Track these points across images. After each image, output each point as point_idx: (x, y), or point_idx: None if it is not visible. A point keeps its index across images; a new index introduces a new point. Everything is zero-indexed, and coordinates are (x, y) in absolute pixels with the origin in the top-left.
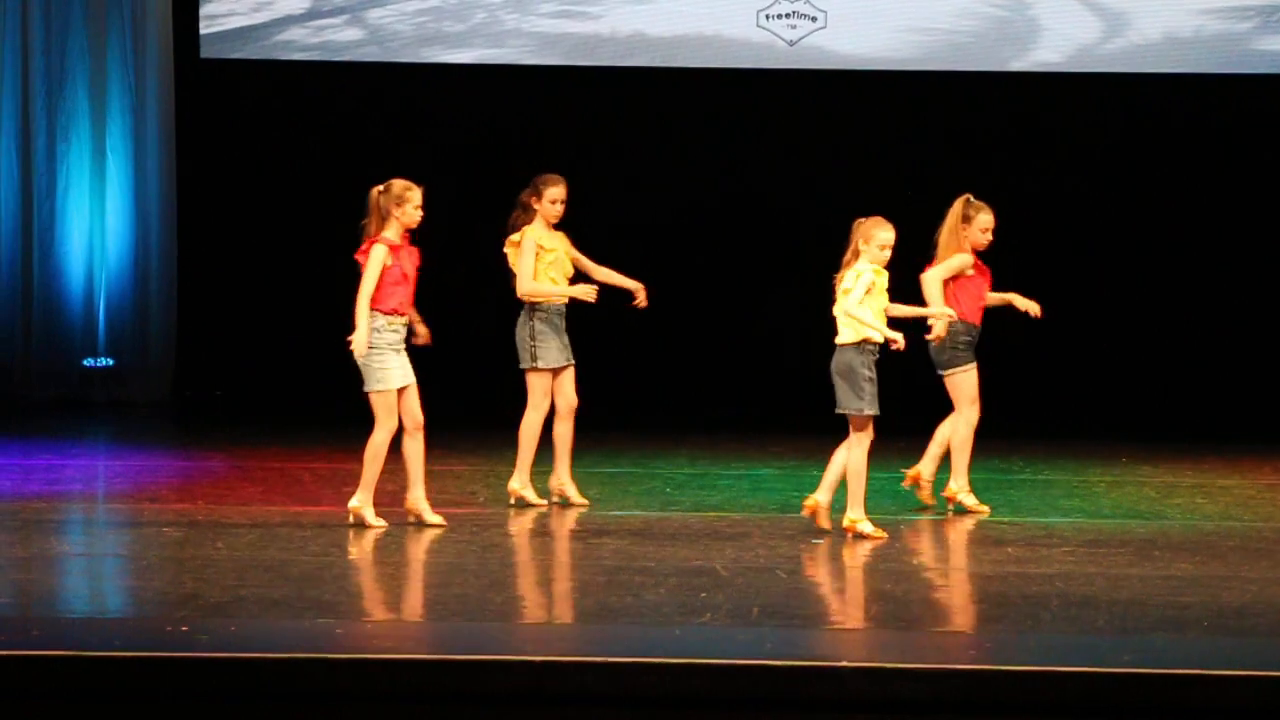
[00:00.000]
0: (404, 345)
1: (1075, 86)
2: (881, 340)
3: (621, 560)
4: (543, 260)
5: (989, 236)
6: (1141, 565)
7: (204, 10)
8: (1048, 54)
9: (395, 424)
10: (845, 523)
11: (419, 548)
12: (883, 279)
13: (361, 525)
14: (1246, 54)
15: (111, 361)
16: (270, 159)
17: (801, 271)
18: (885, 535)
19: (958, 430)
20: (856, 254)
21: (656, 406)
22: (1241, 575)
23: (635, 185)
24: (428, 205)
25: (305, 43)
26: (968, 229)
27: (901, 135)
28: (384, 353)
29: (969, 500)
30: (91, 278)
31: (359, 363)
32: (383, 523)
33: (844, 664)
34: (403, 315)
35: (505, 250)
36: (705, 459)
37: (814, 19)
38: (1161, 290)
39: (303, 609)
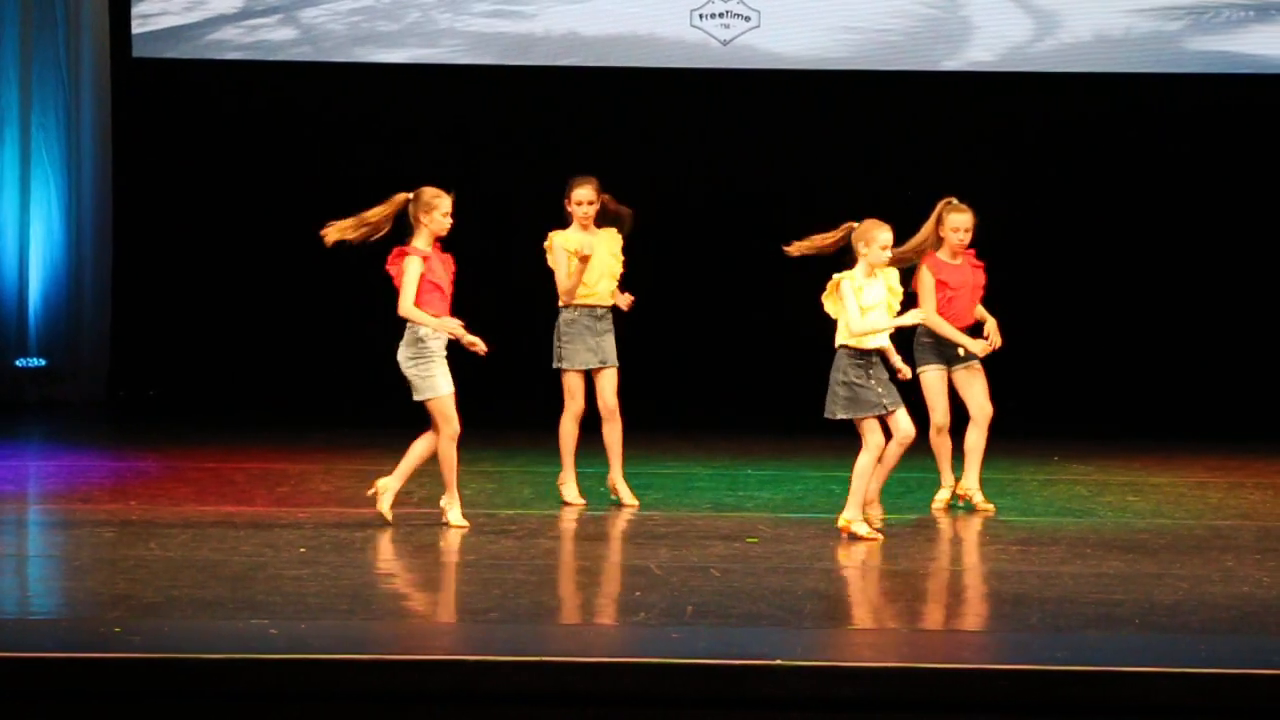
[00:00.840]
0: (446, 353)
1: (1007, 85)
2: (869, 348)
3: (555, 559)
4: (573, 263)
5: (960, 236)
6: (1073, 563)
7: (136, 9)
8: (980, 53)
9: (457, 427)
10: (840, 522)
11: (353, 548)
12: (875, 282)
13: (446, 525)
14: (1177, 53)
15: (44, 361)
16: (204, 159)
17: (736, 270)
18: (880, 537)
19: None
20: (855, 258)
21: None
22: (1173, 573)
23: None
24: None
25: (238, 42)
26: (941, 229)
27: (835, 134)
28: (426, 362)
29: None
30: (24, 277)
31: (407, 374)
32: (465, 523)
33: (778, 662)
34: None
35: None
36: (640, 458)
37: (747, 19)
38: (1092, 288)
39: (236, 609)
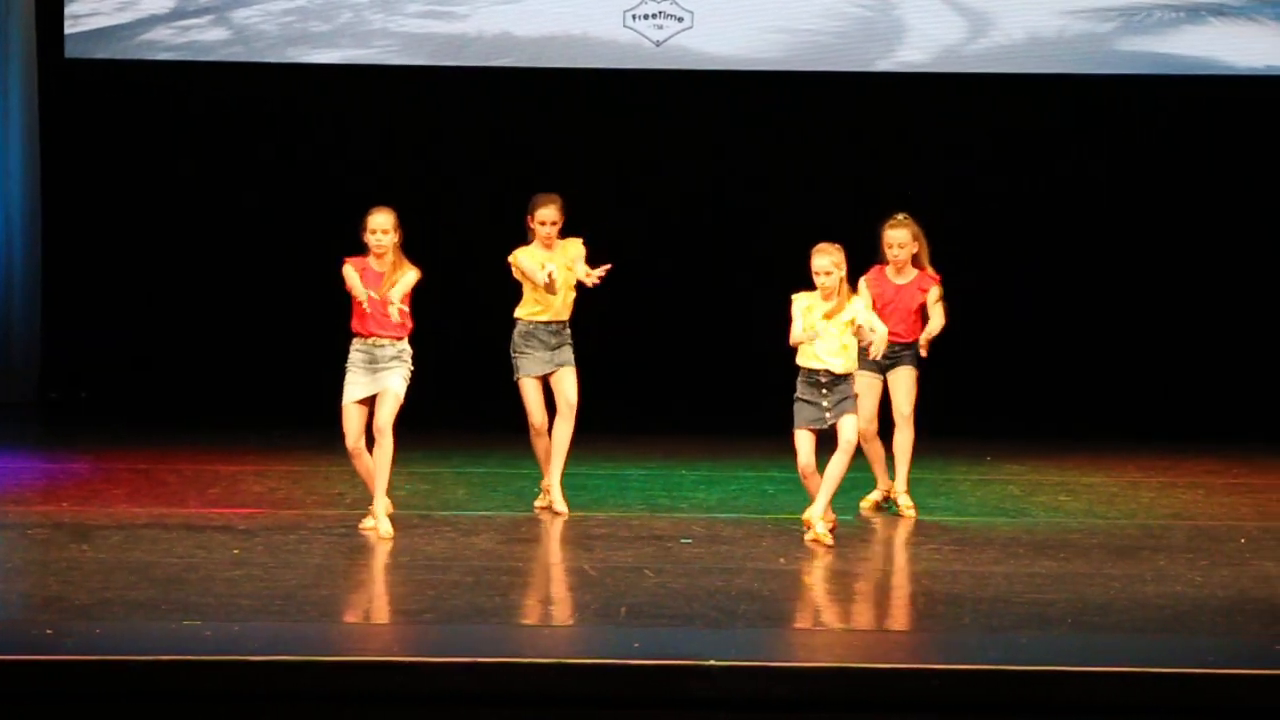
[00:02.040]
0: (374, 366)
1: (940, 86)
2: (815, 368)
3: (490, 560)
4: (543, 271)
5: (893, 252)
6: (1006, 563)
7: (68, 10)
8: (913, 54)
9: (349, 441)
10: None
11: (286, 549)
12: (820, 308)
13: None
14: (1109, 54)
15: None
16: (136, 159)
17: (668, 270)
18: (832, 543)
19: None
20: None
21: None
22: (1105, 572)
23: (502, 185)
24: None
25: (170, 43)
26: (882, 245)
27: (768, 135)
28: (349, 369)
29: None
30: None
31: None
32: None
33: (712, 663)
34: (366, 338)
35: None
36: (574, 459)
37: (680, 19)
38: (1023, 289)
39: (169, 611)
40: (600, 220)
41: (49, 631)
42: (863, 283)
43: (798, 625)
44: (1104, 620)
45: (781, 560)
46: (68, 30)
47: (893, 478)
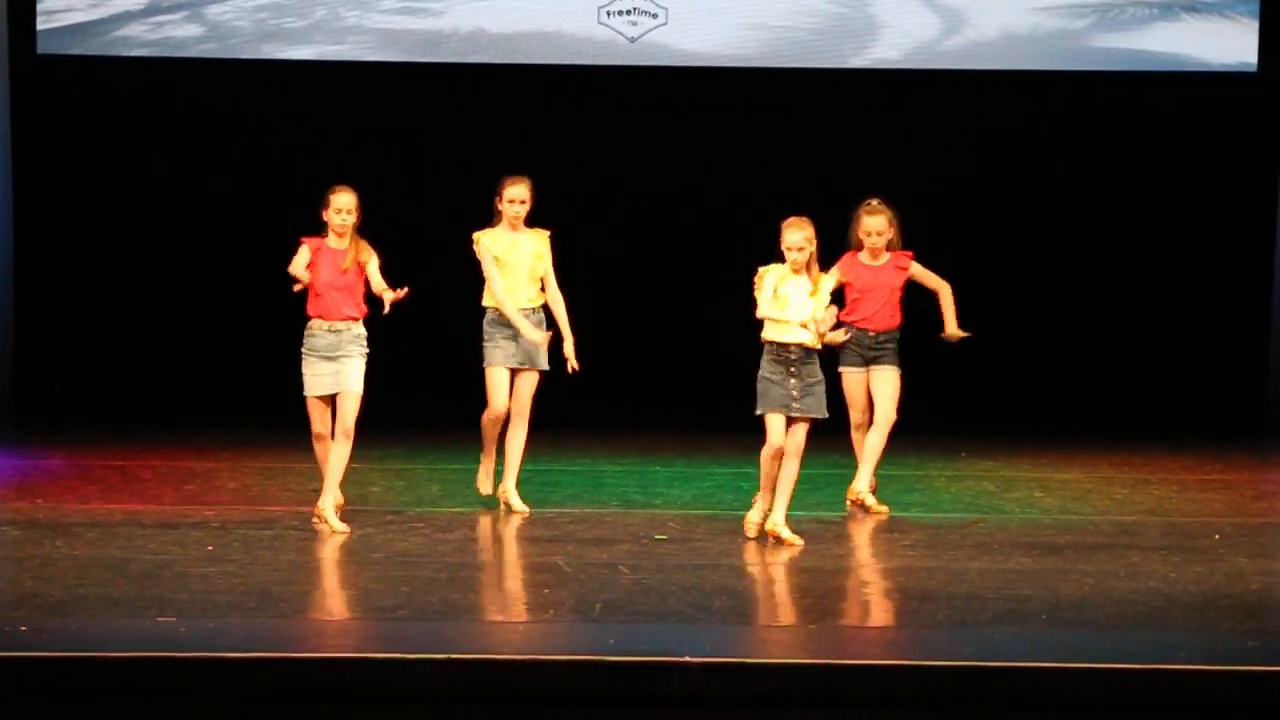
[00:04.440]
0: (333, 354)
1: (915, 83)
2: (786, 341)
3: (465, 556)
4: (500, 265)
5: (871, 240)
6: (980, 559)
7: (41, 6)
8: (887, 51)
9: (321, 431)
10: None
11: (260, 546)
12: (798, 280)
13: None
14: (1083, 51)
15: None
16: (109, 156)
17: (642, 266)
18: (801, 541)
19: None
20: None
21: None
22: (1079, 568)
23: (476, 181)
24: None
25: (144, 39)
26: (859, 230)
27: (742, 132)
28: (305, 357)
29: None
30: None
31: None
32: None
33: (688, 659)
34: (325, 320)
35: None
36: (547, 455)
37: (655, 15)
38: (998, 284)
39: (143, 607)
40: (574, 216)
41: (23, 628)
42: (835, 268)
43: (772, 621)
44: (1078, 616)
45: (757, 556)
46: (40, 26)
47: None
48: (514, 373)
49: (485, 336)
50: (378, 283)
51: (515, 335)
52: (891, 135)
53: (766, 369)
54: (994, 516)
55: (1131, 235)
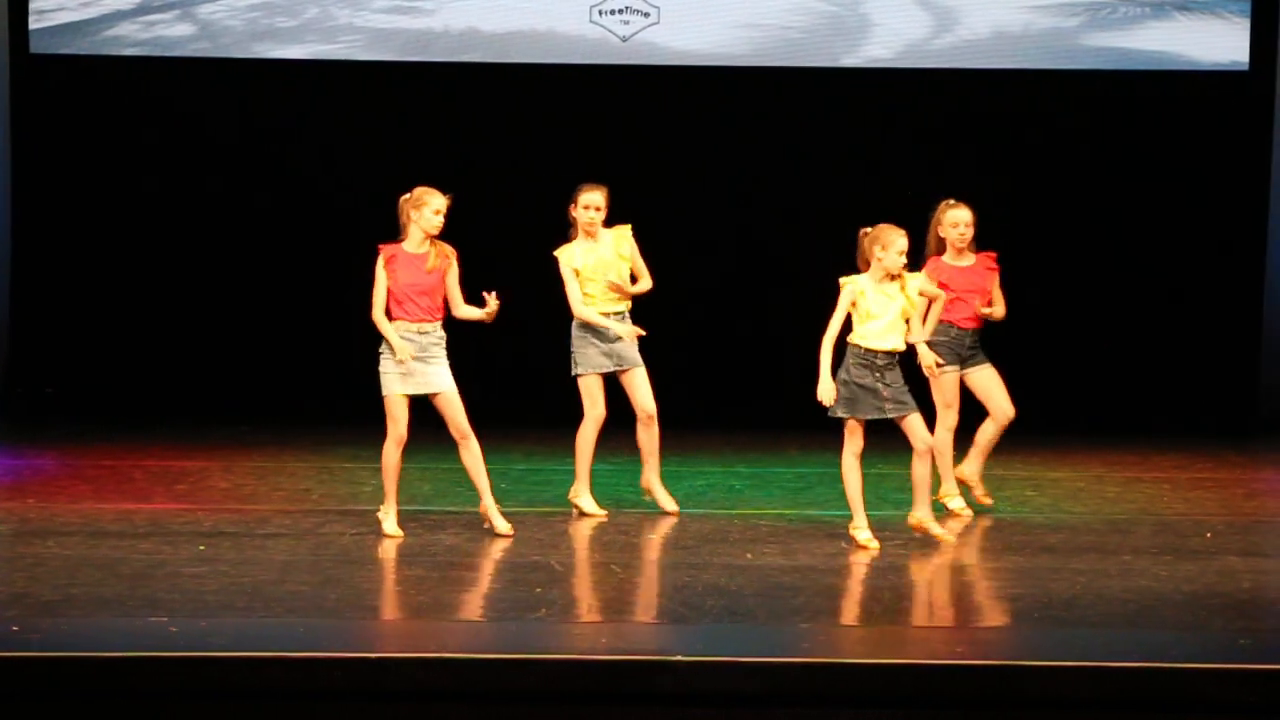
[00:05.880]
0: (422, 355)
1: (906, 82)
2: (874, 348)
3: (456, 556)
4: (580, 277)
5: (959, 231)
6: (972, 557)
7: (33, 5)
8: (879, 49)
9: (400, 430)
10: (910, 520)
11: (252, 546)
12: (890, 288)
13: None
14: (1074, 50)
15: None
16: (103, 155)
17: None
18: (953, 537)
19: (936, 434)
20: (867, 264)
21: (488, 400)
22: (1070, 567)
23: (469, 181)
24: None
25: (136, 38)
26: (940, 229)
27: (734, 131)
28: (383, 359)
29: (953, 504)
30: None
31: None
32: (399, 532)
33: (678, 658)
34: (411, 323)
35: None
36: (541, 454)
37: (647, 14)
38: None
39: (135, 607)
40: (565, 214)
41: (14, 628)
42: (923, 273)
43: (763, 621)
44: (1069, 615)
45: (748, 555)
46: (33, 26)
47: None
48: (619, 375)
49: (575, 346)
50: (461, 309)
51: (605, 340)
52: (883, 134)
53: (854, 373)
54: (986, 515)
55: (1123, 234)
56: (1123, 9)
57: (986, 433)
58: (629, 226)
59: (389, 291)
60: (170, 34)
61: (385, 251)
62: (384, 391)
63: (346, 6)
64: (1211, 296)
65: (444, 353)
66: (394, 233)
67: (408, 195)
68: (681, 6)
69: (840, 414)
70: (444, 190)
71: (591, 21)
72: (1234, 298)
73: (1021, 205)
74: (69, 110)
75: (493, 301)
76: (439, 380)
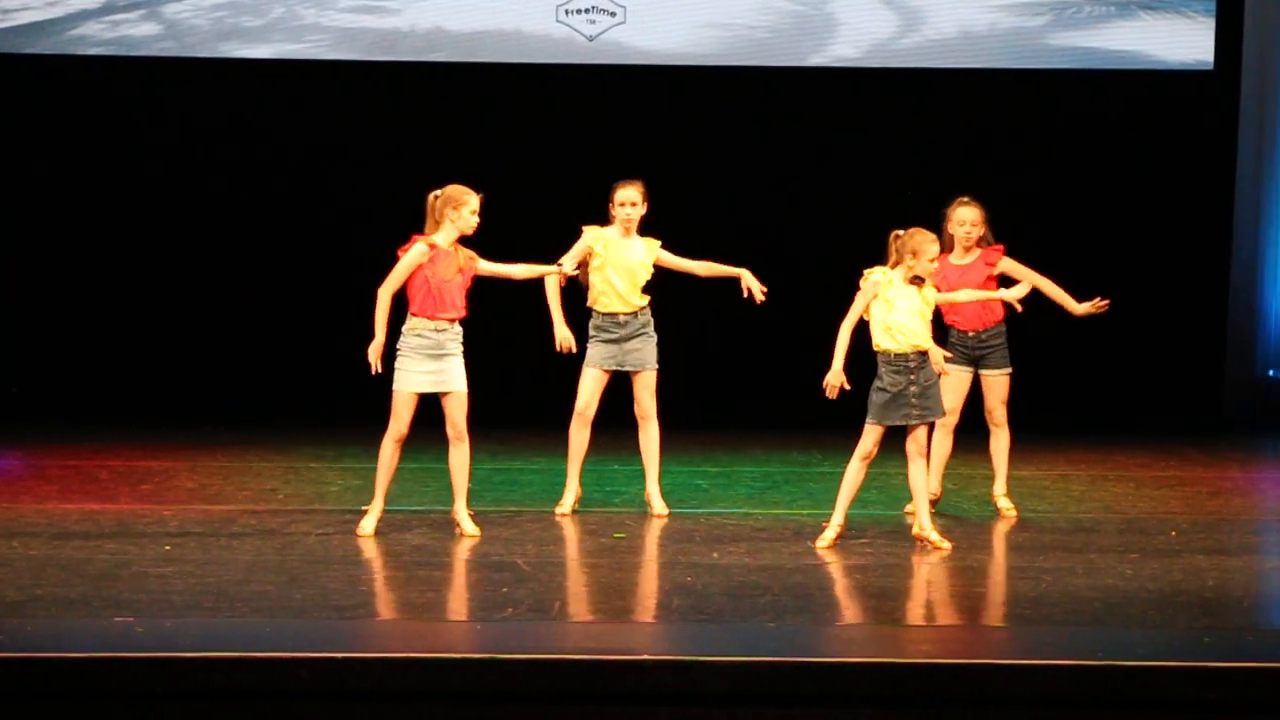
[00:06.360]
0: (438, 352)
1: (873, 81)
2: (905, 351)
3: (423, 555)
4: (593, 263)
5: (965, 229)
6: (937, 556)
7: None
8: (845, 49)
9: (402, 427)
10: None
11: (217, 545)
12: (910, 290)
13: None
14: (1040, 49)
15: None
16: (66, 155)
17: None
18: (949, 545)
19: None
20: (895, 263)
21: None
22: (1036, 565)
23: (434, 180)
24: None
25: (101, 38)
26: (949, 227)
27: (701, 130)
28: (400, 355)
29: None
30: None
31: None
32: (369, 533)
33: (645, 657)
34: (432, 320)
35: None
36: (506, 454)
37: (613, 14)
38: None
39: (100, 608)
40: (532, 214)
41: None
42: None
43: (729, 620)
44: (1035, 613)
45: (714, 555)
46: None
47: (940, 481)
48: (629, 376)
49: (588, 339)
50: (525, 268)
51: (616, 339)
52: (850, 133)
53: (887, 379)
54: (951, 514)
55: (1088, 233)
56: (1088, 8)
57: (993, 449)
58: (658, 242)
59: (425, 284)
60: (135, 33)
61: (426, 242)
62: (395, 385)
63: (312, 6)
64: (1176, 296)
65: (460, 349)
66: (355, 230)
67: (438, 193)
68: (648, 6)
69: (870, 418)
70: (427, 190)
71: (558, 21)
72: (1199, 297)
73: (986, 204)
74: (33, 110)
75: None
76: (452, 379)
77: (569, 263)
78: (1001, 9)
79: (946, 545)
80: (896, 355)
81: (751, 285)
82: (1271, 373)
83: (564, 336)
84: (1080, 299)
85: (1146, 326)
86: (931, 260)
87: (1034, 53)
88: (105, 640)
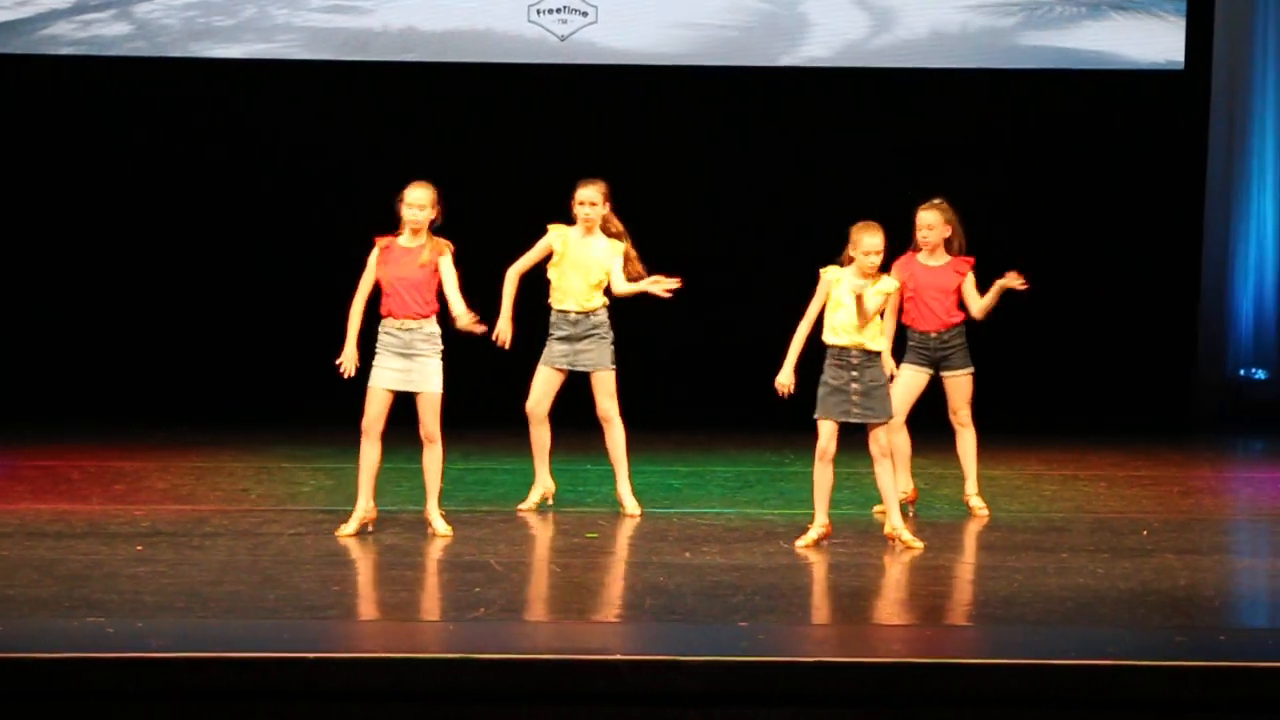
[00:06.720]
0: (407, 351)
1: (844, 81)
2: (846, 345)
3: (395, 555)
4: (552, 259)
5: (920, 234)
6: (908, 555)
7: None
8: (817, 49)
9: (369, 421)
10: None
11: (189, 546)
12: (850, 282)
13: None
14: (1011, 49)
15: None
16: (37, 156)
17: None
18: (921, 545)
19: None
20: (848, 262)
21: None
22: (1008, 565)
23: (406, 180)
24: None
25: (72, 37)
26: (915, 228)
27: (672, 130)
28: (379, 352)
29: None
30: None
31: None
32: (350, 532)
33: (617, 657)
34: (396, 319)
35: None
36: (479, 454)
37: (585, 14)
38: None
39: (72, 608)
40: (504, 214)
41: None
42: (894, 268)
43: (702, 620)
44: (1007, 612)
45: (687, 554)
46: None
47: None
48: (587, 378)
49: (547, 335)
50: (457, 305)
51: (568, 337)
52: (822, 133)
53: (829, 374)
54: (923, 513)
55: (1059, 233)
56: (1059, 8)
57: (960, 449)
58: (624, 245)
59: (379, 283)
60: (107, 33)
61: (380, 243)
62: (369, 381)
63: (284, 6)
64: (1147, 296)
65: (434, 350)
66: (328, 230)
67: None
68: (619, 6)
69: (815, 413)
70: (400, 190)
71: (530, 21)
72: (1170, 296)
73: (956, 204)
74: (6, 111)
75: (469, 319)
76: (423, 380)
77: (505, 327)
78: (973, 9)
79: (918, 545)
80: (839, 350)
81: (653, 288)
82: (1242, 372)
83: (501, 329)
84: (1052, 298)
85: (1118, 326)
86: (866, 253)
87: (1005, 53)
88: (77, 641)
